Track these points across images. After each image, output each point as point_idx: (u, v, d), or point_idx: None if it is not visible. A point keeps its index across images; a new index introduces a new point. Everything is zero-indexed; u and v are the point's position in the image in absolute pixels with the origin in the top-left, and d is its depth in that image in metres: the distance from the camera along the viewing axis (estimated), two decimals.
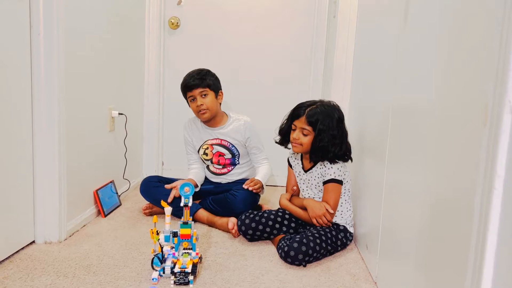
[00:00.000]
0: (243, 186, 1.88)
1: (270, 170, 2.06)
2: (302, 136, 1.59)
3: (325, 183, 1.60)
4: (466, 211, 0.72)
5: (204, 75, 1.93)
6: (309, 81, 2.59)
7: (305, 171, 1.68)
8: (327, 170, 1.59)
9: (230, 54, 2.59)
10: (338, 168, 1.59)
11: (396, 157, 1.23)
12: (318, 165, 1.63)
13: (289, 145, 1.69)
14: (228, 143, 2.02)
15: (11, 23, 1.37)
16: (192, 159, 2.10)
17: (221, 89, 2.00)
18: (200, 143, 2.06)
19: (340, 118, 1.60)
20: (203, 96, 1.92)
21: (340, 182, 1.59)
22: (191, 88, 1.91)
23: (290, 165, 1.79)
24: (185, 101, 1.99)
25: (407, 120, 1.13)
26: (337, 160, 1.59)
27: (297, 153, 1.73)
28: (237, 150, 2.03)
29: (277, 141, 1.72)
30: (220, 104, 2.01)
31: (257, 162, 2.06)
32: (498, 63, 0.64)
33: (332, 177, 1.58)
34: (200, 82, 1.90)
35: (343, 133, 1.60)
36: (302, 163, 1.71)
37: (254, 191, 1.88)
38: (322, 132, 1.55)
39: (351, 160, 1.63)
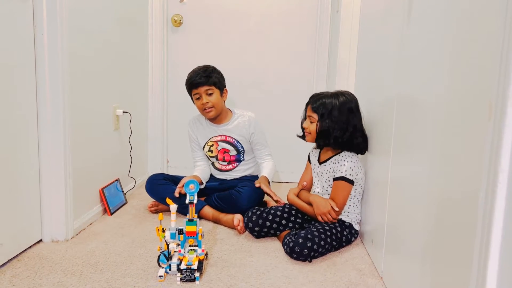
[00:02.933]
0: (256, 185, 1.84)
1: (275, 167, 2.06)
2: (310, 124, 1.61)
3: (335, 179, 1.59)
4: (471, 206, 0.72)
5: (210, 72, 1.91)
6: (313, 76, 2.58)
7: (320, 163, 1.68)
8: (339, 166, 1.58)
9: (233, 50, 2.58)
10: (350, 167, 1.56)
11: (401, 152, 1.23)
12: (333, 159, 1.62)
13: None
14: (233, 140, 2.02)
15: (15, 23, 1.37)
16: (197, 156, 2.10)
17: (225, 86, 2.00)
18: (205, 140, 2.06)
19: (348, 105, 1.57)
20: (209, 94, 1.91)
21: (351, 182, 1.57)
22: (197, 86, 1.90)
23: (309, 160, 1.79)
24: (189, 97, 1.99)
25: (412, 115, 1.13)
26: (344, 149, 1.60)
27: (317, 147, 1.74)
28: (242, 147, 2.03)
29: (299, 135, 1.74)
30: (224, 101, 2.01)
31: (260, 158, 2.06)
32: (501, 56, 0.63)
33: (343, 175, 1.57)
34: (206, 80, 1.89)
35: (350, 121, 1.56)
36: (319, 155, 1.71)
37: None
38: (324, 116, 1.56)
39: (362, 153, 1.63)
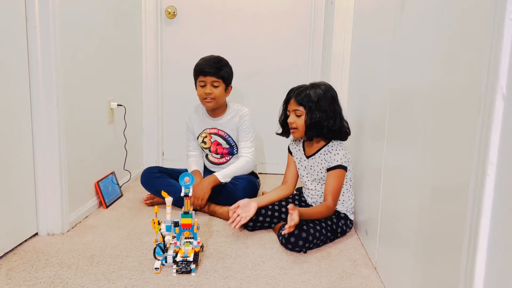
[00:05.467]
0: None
1: (245, 167, 1.98)
2: (297, 118, 1.59)
3: (331, 169, 1.60)
4: (461, 197, 0.73)
5: (222, 66, 1.92)
6: (307, 68, 2.57)
7: (307, 157, 1.68)
8: (332, 156, 1.59)
9: (227, 42, 2.57)
10: (344, 155, 1.59)
11: (394, 143, 1.24)
12: (322, 151, 1.63)
13: (291, 135, 1.69)
14: (225, 134, 2.03)
15: (7, 16, 1.36)
16: (192, 145, 2.12)
17: (231, 84, 2.00)
18: (199, 131, 2.07)
19: (331, 94, 1.59)
20: (214, 86, 1.91)
21: (345, 169, 1.60)
22: (205, 74, 1.90)
23: (290, 153, 1.79)
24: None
25: (405, 106, 1.14)
26: (334, 137, 1.61)
27: (299, 140, 1.73)
28: (234, 141, 2.04)
29: (279, 132, 1.73)
30: (226, 97, 2.01)
31: (239, 152, 2.03)
32: (491, 50, 0.64)
33: (339, 163, 1.58)
34: (216, 72, 1.89)
35: (336, 109, 1.59)
36: (304, 149, 1.71)
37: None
38: (312, 108, 1.55)
39: (346, 139, 1.64)
